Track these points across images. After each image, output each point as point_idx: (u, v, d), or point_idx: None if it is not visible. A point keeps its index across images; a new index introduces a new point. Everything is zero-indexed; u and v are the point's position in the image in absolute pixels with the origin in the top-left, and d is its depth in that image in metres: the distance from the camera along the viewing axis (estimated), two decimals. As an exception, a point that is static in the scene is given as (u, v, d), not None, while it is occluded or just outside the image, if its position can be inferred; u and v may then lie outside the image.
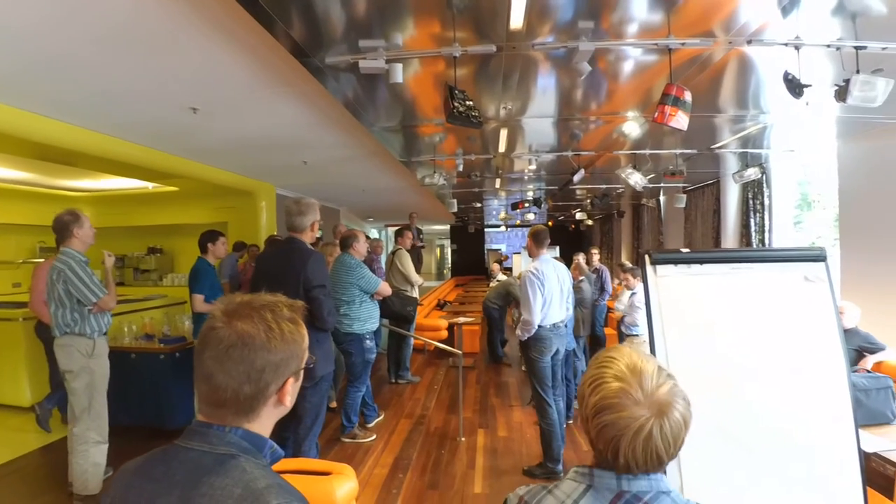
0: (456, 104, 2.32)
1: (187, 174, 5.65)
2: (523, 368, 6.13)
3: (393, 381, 5.68)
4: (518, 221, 16.19)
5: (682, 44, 2.47)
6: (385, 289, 4.05)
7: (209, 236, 3.88)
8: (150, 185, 7.06)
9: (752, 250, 5.15)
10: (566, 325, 3.61)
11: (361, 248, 4.07)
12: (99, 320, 3.07)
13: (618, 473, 0.79)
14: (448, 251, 21.33)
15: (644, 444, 0.76)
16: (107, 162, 4.98)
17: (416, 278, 5.58)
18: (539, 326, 3.32)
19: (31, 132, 3.77)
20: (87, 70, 3.02)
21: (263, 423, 0.81)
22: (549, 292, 3.33)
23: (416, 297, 5.57)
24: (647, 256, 1.63)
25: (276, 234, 6.56)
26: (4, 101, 3.47)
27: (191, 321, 4.11)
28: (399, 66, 2.32)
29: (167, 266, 8.37)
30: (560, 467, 3.41)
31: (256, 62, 2.91)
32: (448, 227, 18.74)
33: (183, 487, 0.71)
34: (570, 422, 4.28)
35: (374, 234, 16.11)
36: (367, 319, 3.92)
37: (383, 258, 6.72)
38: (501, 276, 7.61)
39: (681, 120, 2.56)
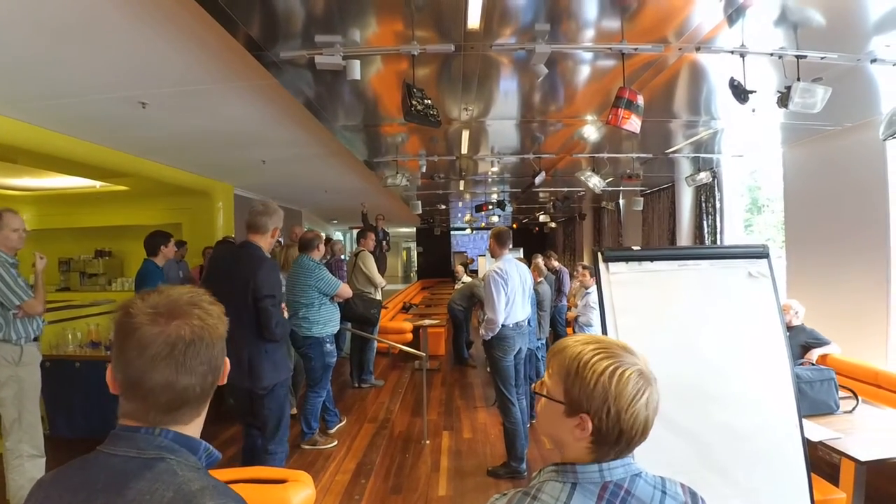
0: (414, 102, 2.30)
1: (137, 172, 5.37)
2: (488, 370, 6.17)
3: (356, 385, 5.58)
4: (483, 224, 16.34)
5: (635, 49, 2.54)
6: (345, 291, 3.97)
7: (161, 238, 3.73)
8: (97, 184, 6.68)
9: (698, 248, 5.36)
10: (529, 325, 3.66)
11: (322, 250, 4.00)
12: (27, 325, 2.87)
13: (600, 462, 0.79)
14: (414, 254, 21.27)
15: (652, 417, 0.79)
16: (49, 158, 4.69)
17: (380, 280, 5.52)
18: (502, 325, 3.35)
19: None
20: (28, 62, 2.85)
21: (198, 424, 0.78)
22: (512, 291, 3.37)
23: (379, 300, 5.50)
24: (599, 254, 1.66)
25: (231, 235, 6.35)
26: None
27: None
28: (357, 63, 2.28)
29: (116, 270, 7.96)
30: (524, 466, 3.43)
31: (208, 55, 2.80)
32: (414, 229, 18.72)
33: (106, 495, 0.67)
34: (534, 421, 4.33)
35: (338, 236, 15.85)
36: (326, 322, 3.83)
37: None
38: (466, 278, 7.64)
39: (633, 123, 2.64)
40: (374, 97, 3.57)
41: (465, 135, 4.56)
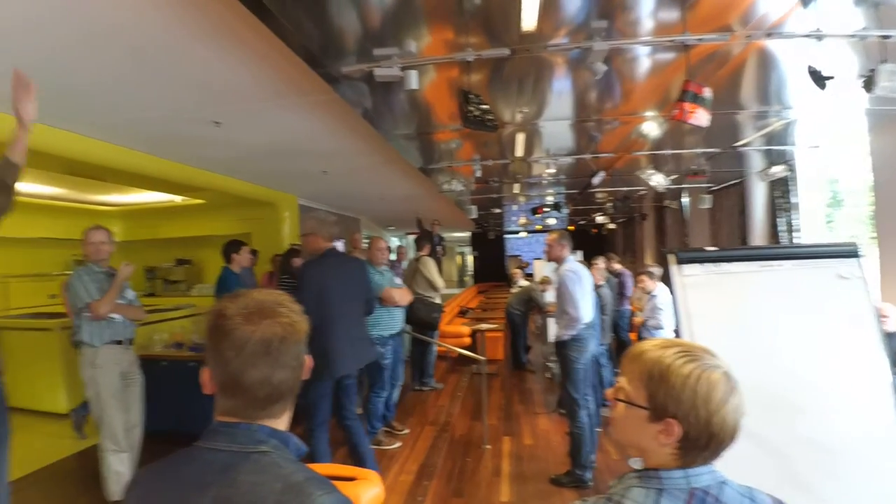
0: (471, 108, 2.33)
1: (212, 187, 5.80)
2: (547, 376, 6.05)
3: (417, 387, 5.67)
4: (538, 227, 16.08)
5: (699, 40, 2.43)
6: (390, 295, 4.05)
7: (232, 246, 3.98)
8: (177, 199, 7.27)
9: (781, 247, 4.98)
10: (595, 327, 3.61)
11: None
12: (102, 329, 3.00)
13: (686, 468, 0.77)
14: (469, 258, 21.32)
15: (739, 422, 0.77)
16: (134, 176, 5.16)
17: (441, 284, 5.60)
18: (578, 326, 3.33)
19: (62, 148, 3.90)
20: (113, 88, 3.14)
21: (286, 419, 0.83)
22: (586, 291, 3.35)
23: (440, 304, 5.58)
24: (671, 256, 1.58)
25: (298, 243, 6.67)
26: (38, 119, 3.63)
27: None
28: (414, 73, 2.34)
29: (195, 276, 8.57)
30: (589, 475, 3.34)
31: (274, 73, 2.97)
32: (468, 234, 18.77)
33: (216, 487, 0.71)
34: (599, 430, 4.21)
35: (395, 242, 16.23)
36: (375, 325, 3.94)
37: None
38: (523, 282, 7.55)
39: (701, 117, 2.52)
40: (428, 105, 3.63)
41: (520, 138, 4.53)
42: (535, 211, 9.05)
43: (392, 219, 12.02)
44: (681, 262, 1.59)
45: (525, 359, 6.75)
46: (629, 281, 6.29)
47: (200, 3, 2.20)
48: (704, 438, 0.75)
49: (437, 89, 3.24)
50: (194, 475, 0.74)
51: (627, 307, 6.24)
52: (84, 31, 2.38)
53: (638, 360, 0.82)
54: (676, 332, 1.64)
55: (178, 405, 4.24)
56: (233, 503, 0.69)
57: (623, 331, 6.08)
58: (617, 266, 6.24)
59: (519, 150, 4.96)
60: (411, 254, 6.31)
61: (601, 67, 2.48)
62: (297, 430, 0.99)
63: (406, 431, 4.39)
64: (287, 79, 3.05)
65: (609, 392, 0.88)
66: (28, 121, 1.91)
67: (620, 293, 6.06)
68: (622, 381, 0.85)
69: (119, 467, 3.07)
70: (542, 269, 8.26)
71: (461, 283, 21.44)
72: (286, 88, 3.24)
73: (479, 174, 5.51)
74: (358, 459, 3.02)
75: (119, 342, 3.10)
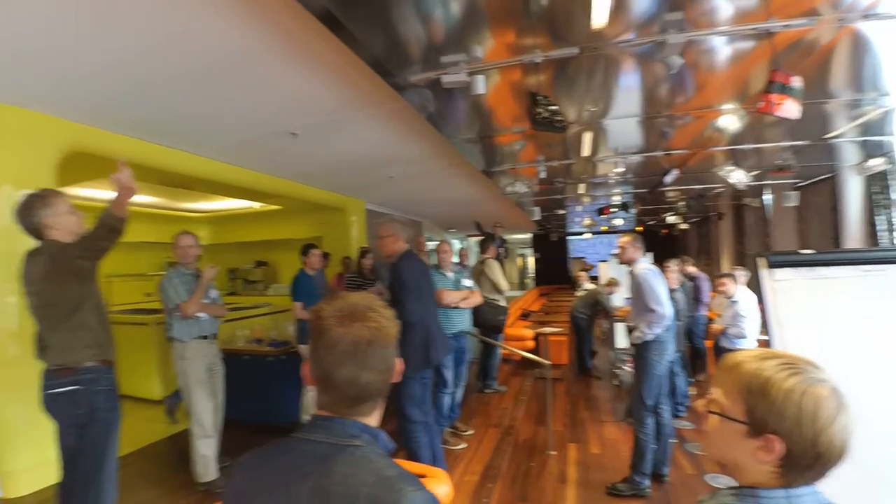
0: (539, 110, 2.32)
1: (288, 194, 6.20)
2: (615, 383, 5.84)
3: (480, 390, 5.70)
4: (604, 227, 15.55)
5: (785, 26, 2.26)
6: (440, 296, 4.09)
7: (303, 249, 4.24)
8: (256, 205, 7.81)
9: (888, 250, 4.49)
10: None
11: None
12: (191, 326, 3.28)
13: (787, 487, 0.73)
14: (530, 260, 21.02)
15: (849, 441, 0.72)
16: (220, 185, 5.60)
17: (505, 287, 5.60)
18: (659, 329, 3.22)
19: (158, 162, 4.36)
20: (201, 105, 3.45)
21: (377, 417, 0.87)
22: (665, 289, 3.24)
23: (505, 307, 5.58)
24: (761, 259, 1.48)
25: (366, 245, 6.92)
26: (135, 135, 4.06)
27: (294, 327, 4.47)
28: (482, 78, 2.37)
29: (272, 277, 9.16)
30: (647, 483, 3.20)
31: (347, 85, 3.13)
32: (530, 235, 18.51)
33: (315, 477, 0.76)
34: (676, 441, 4.01)
35: (457, 244, 16.36)
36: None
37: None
38: (588, 285, 7.33)
39: (790, 108, 2.34)
40: (492, 108, 3.65)
41: (587, 137, 4.43)
42: (601, 211, 8.78)
43: (453, 221, 12.13)
44: (772, 265, 1.48)
45: (590, 364, 6.56)
46: (705, 285, 5.90)
47: (282, 25, 2.37)
48: (809, 458, 0.70)
49: (502, 92, 3.25)
50: (294, 464, 0.80)
51: (703, 313, 5.86)
52: (192, 64, 2.64)
53: (734, 371, 0.78)
54: (764, 341, 1.53)
55: (258, 397, 4.57)
56: (329, 492, 0.74)
57: (698, 338, 5.74)
58: (692, 269, 5.88)
59: (585, 150, 4.84)
60: (472, 256, 6.35)
61: (677, 61, 2.38)
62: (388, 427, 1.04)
63: (470, 432, 4.42)
64: (359, 90, 3.20)
65: (700, 403, 0.84)
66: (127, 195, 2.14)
67: (696, 298, 5.70)
68: (716, 392, 0.81)
69: (206, 451, 3.34)
70: (607, 271, 7.99)
71: (522, 286, 21.19)
72: (358, 99, 3.39)
73: (543, 175, 5.43)
74: (429, 457, 3.10)
75: (205, 337, 3.39)
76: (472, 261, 9.75)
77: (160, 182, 5.54)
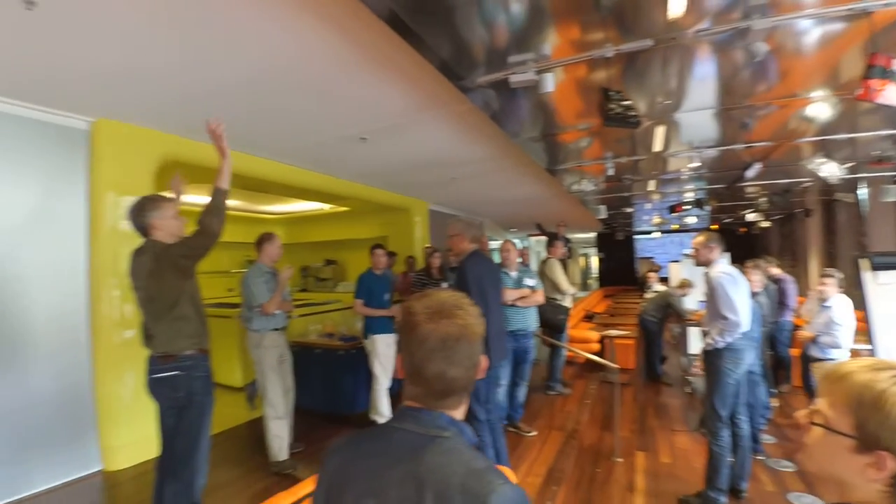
0: (612, 105, 2.26)
1: (356, 195, 6.48)
2: (687, 390, 5.54)
3: (545, 391, 5.64)
4: (674, 226, 14.76)
5: (886, 4, 2.05)
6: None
7: (371, 248, 4.43)
8: (326, 207, 8.20)
9: None
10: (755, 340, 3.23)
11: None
12: (267, 319, 3.60)
13: None
14: (593, 260, 20.37)
15: None
16: (293, 188, 5.94)
17: (566, 287, 5.51)
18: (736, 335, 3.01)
19: (240, 168, 4.66)
20: (279, 113, 3.68)
21: (462, 411, 0.90)
22: (742, 295, 3.01)
23: (566, 307, 5.49)
24: (863, 261, 1.36)
25: (429, 245, 7.05)
26: (207, 140, 4.38)
27: (359, 323, 4.66)
28: (550, 76, 2.35)
29: (340, 275, 9.61)
30: (723, 499, 2.99)
31: (413, 88, 3.21)
32: (594, 235, 17.96)
33: (406, 464, 0.80)
34: (759, 456, 3.75)
35: (518, 244, 16.22)
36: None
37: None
38: (659, 287, 7.00)
39: (892, 94, 2.12)
40: (558, 106, 3.60)
41: (659, 131, 4.24)
42: (672, 209, 8.35)
43: (514, 221, 12.04)
44: (876, 267, 1.35)
45: (660, 370, 6.25)
46: (791, 288, 5.43)
47: (353, 33, 2.47)
48: None
49: (567, 89, 3.20)
50: (387, 450, 0.84)
51: (788, 318, 5.40)
52: (255, 68, 2.84)
53: (843, 381, 0.73)
54: (856, 350, 1.40)
55: (328, 388, 4.82)
56: (422, 480, 0.77)
57: (782, 346, 5.31)
58: (775, 271, 5.43)
59: (657, 145, 4.64)
60: (533, 256, 6.30)
61: (761, 48, 2.23)
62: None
63: (533, 433, 4.38)
64: (425, 93, 3.28)
65: (801, 414, 0.79)
66: (227, 152, 2.40)
67: (781, 302, 5.27)
68: (821, 403, 0.76)
69: (279, 432, 3.62)
70: (679, 272, 7.59)
71: (584, 287, 20.59)
72: (424, 102, 3.47)
73: (610, 172, 5.27)
74: (493, 455, 3.12)
75: (277, 329, 3.70)
76: (533, 261, 9.64)
77: (242, 186, 5.97)
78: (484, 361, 0.90)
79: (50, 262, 3.51)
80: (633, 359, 6.73)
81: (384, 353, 4.22)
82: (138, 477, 3.58)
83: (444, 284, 5.23)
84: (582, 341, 6.64)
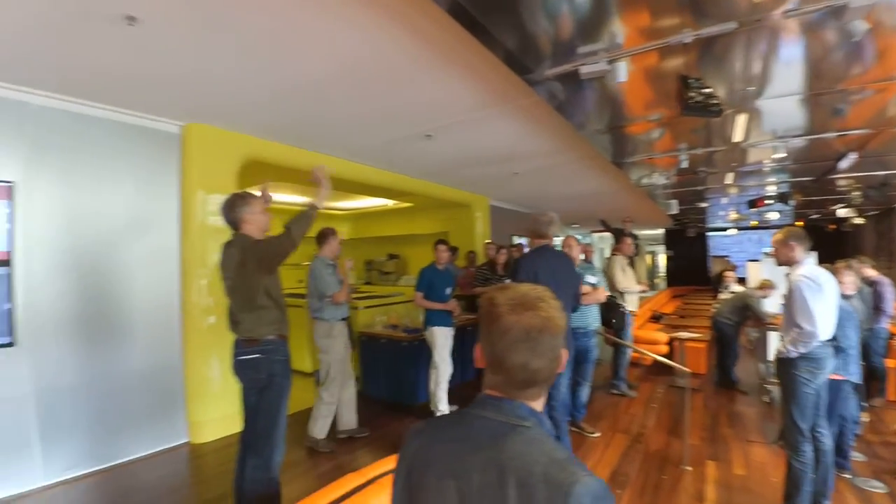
0: (691, 94, 2.14)
1: (419, 192, 6.63)
2: (765, 399, 5.17)
3: (608, 389, 5.50)
4: (754, 222, 13.73)
5: None
6: None
7: (434, 244, 4.51)
8: (389, 203, 8.42)
9: None
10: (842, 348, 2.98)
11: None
12: (335, 309, 3.82)
13: None
14: (661, 258, 19.41)
15: None
16: (361, 185, 6.16)
17: (621, 285, 5.35)
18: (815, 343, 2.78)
19: (311, 165, 4.92)
20: (349, 113, 3.84)
21: (541, 402, 0.91)
22: (828, 302, 2.77)
23: (620, 305, 5.32)
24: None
25: (489, 240, 7.06)
26: (296, 144, 4.65)
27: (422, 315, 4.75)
28: (623, 66, 2.27)
29: (402, 269, 9.84)
30: None
31: (478, 84, 3.23)
32: (661, 231, 17.10)
33: (488, 451, 0.82)
34: (846, 474, 3.44)
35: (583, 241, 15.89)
36: None
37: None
38: (736, 287, 6.57)
39: None
40: (628, 96, 3.46)
41: (739, 120, 3.97)
42: (753, 204, 7.76)
43: (576, 216, 11.74)
44: None
45: (735, 376, 5.87)
46: (888, 291, 4.87)
47: (423, 31, 2.53)
48: None
49: (639, 78, 3.07)
50: (468, 435, 0.86)
51: (884, 325, 4.85)
52: (327, 70, 2.98)
53: None
54: None
55: (392, 378, 4.98)
56: (504, 466, 0.79)
57: (876, 356, 4.79)
58: (870, 272, 4.90)
59: (737, 135, 4.34)
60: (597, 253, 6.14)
61: (860, 26, 2.04)
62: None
63: (597, 434, 4.28)
64: (490, 88, 3.28)
65: None
66: (327, 185, 2.92)
67: (876, 307, 4.75)
68: None
69: (327, 415, 3.88)
70: (759, 271, 7.08)
71: (651, 286, 19.66)
72: (489, 97, 3.48)
73: (684, 165, 5.00)
74: None
75: (343, 319, 3.91)
76: (598, 258, 9.39)
77: (312, 184, 6.27)
78: (564, 355, 0.90)
79: (148, 252, 3.90)
80: (705, 363, 6.37)
81: (442, 344, 4.30)
82: (220, 450, 3.91)
83: (508, 280, 5.23)
84: (649, 342, 6.37)
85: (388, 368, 4.99)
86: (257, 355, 2.50)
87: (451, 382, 4.41)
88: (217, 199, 4.04)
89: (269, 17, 2.38)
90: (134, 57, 2.79)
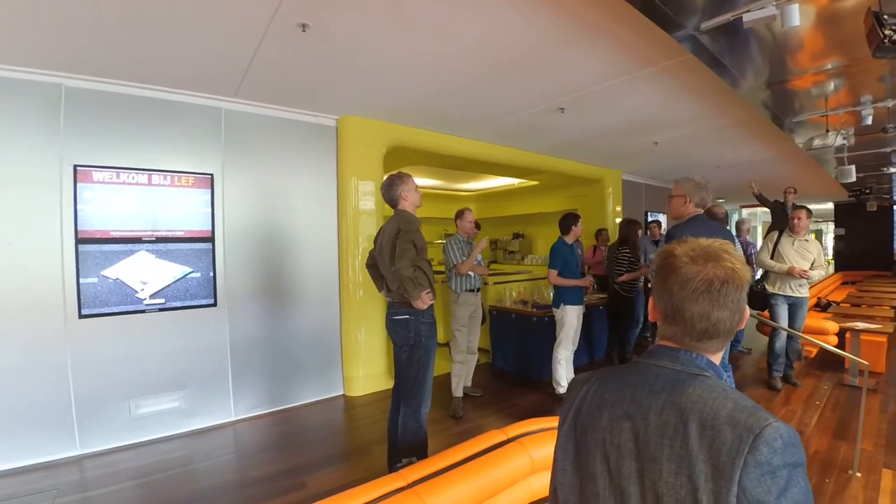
0: (888, 32, 1.82)
1: (548, 169, 6.57)
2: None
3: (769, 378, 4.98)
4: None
5: None
6: None
7: (571, 219, 4.40)
8: (515, 182, 8.45)
9: None
10: None
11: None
12: (462, 280, 4.18)
13: None
14: (829, 238, 16.54)
15: None
16: (489, 165, 6.29)
17: (768, 265, 4.74)
18: None
19: (441, 147, 5.27)
20: (477, 92, 3.93)
21: (719, 356, 0.89)
22: None
23: (754, 282, 4.74)
24: None
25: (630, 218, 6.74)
26: (433, 129, 4.94)
27: (550, 293, 4.76)
28: (795, 7, 2.01)
29: (527, 248, 9.91)
30: None
31: (616, 48, 3.06)
32: (830, 205, 14.50)
33: (668, 394, 0.82)
34: None
35: (735, 215, 14.44)
36: None
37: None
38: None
39: None
40: (796, 44, 3.02)
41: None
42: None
43: (723, 190, 10.53)
44: None
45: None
46: None
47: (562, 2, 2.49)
48: None
49: (815, 21, 2.66)
50: (644, 381, 0.87)
51: None
52: (463, 46, 3.08)
53: None
54: None
55: (520, 353, 5.10)
56: (683, 408, 0.79)
57: None
58: None
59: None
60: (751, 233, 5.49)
61: None
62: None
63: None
64: (629, 51, 3.11)
65: None
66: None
67: None
68: None
69: (457, 372, 4.27)
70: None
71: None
72: (629, 63, 3.30)
73: (867, 122, 4.21)
74: None
75: (472, 290, 4.23)
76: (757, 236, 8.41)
77: (444, 166, 6.60)
78: (747, 312, 0.87)
79: (315, 232, 4.55)
80: (884, 360, 5.38)
81: (570, 323, 4.29)
82: (369, 403, 4.47)
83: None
84: (815, 332, 5.56)
85: (518, 343, 5.13)
86: (407, 316, 2.80)
87: (578, 362, 4.39)
88: (367, 187, 4.60)
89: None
90: (303, 60, 3.20)
